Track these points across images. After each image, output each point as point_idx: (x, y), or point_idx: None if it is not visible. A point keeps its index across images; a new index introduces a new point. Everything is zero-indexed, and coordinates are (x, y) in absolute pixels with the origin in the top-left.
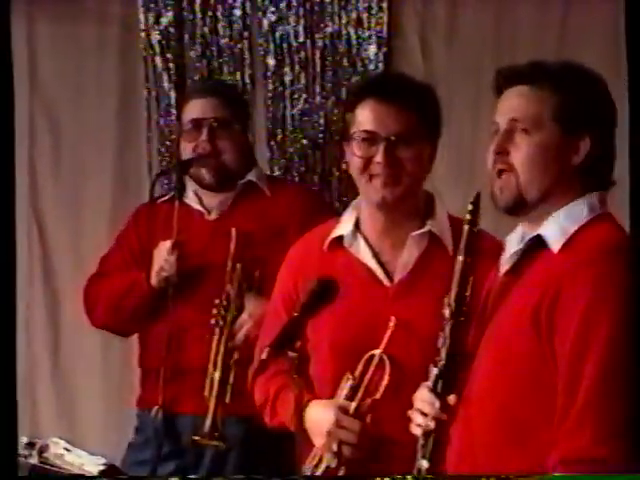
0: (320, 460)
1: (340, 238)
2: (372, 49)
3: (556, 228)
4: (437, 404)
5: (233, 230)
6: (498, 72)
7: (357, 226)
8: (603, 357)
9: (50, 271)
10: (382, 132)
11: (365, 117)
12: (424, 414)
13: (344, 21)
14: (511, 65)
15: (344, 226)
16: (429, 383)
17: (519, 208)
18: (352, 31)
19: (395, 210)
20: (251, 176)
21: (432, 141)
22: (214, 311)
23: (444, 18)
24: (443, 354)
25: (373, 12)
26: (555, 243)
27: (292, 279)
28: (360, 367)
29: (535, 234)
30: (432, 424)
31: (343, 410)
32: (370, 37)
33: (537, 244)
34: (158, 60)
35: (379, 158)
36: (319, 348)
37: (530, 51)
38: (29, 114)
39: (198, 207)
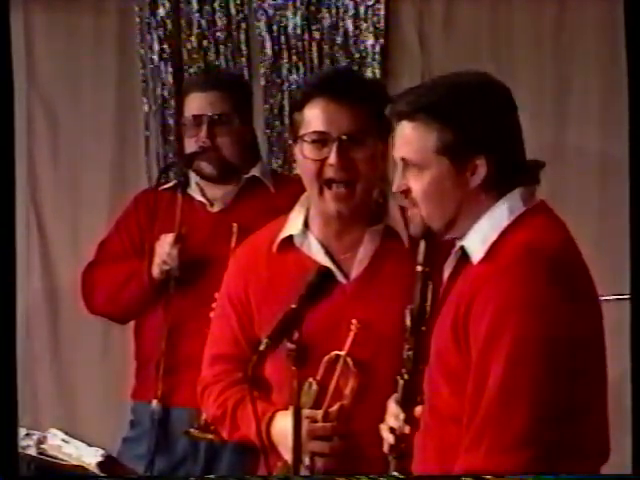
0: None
1: (290, 238)
2: (369, 41)
3: (477, 238)
4: (402, 417)
5: (234, 225)
6: (389, 107)
7: (307, 224)
8: (504, 370)
9: (49, 262)
10: (333, 132)
11: (315, 117)
12: (392, 429)
13: (342, 12)
14: (396, 100)
15: (293, 225)
16: (397, 395)
17: (430, 237)
18: (350, 23)
19: (349, 218)
20: (255, 171)
21: (384, 139)
22: (213, 305)
23: (441, 10)
24: (408, 366)
25: (370, 4)
26: (475, 254)
27: (242, 282)
28: (322, 369)
29: (460, 245)
30: (398, 439)
31: (312, 420)
32: (367, 29)
33: (464, 254)
34: (155, 51)
35: (332, 160)
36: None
37: (526, 43)
38: (27, 105)
39: (201, 199)
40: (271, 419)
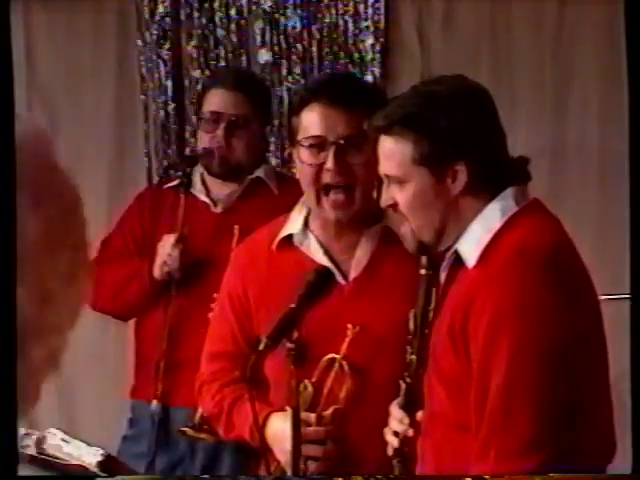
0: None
1: (289, 237)
2: (369, 40)
3: (471, 241)
4: (406, 421)
5: (236, 227)
6: (367, 122)
7: (307, 223)
8: (505, 376)
9: None
10: (330, 136)
11: (312, 121)
12: (396, 433)
13: (341, 12)
14: (374, 115)
15: (293, 224)
16: (400, 399)
17: (425, 251)
18: (349, 22)
19: (348, 223)
20: (260, 172)
21: None
22: (212, 305)
23: (441, 9)
24: (411, 369)
25: (370, 3)
26: (469, 258)
27: (240, 281)
28: (318, 372)
29: (453, 250)
30: (402, 443)
31: (306, 424)
32: (367, 28)
33: (458, 258)
34: (154, 51)
35: (329, 164)
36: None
37: (526, 42)
38: (26, 104)
39: (204, 199)
40: (265, 421)
